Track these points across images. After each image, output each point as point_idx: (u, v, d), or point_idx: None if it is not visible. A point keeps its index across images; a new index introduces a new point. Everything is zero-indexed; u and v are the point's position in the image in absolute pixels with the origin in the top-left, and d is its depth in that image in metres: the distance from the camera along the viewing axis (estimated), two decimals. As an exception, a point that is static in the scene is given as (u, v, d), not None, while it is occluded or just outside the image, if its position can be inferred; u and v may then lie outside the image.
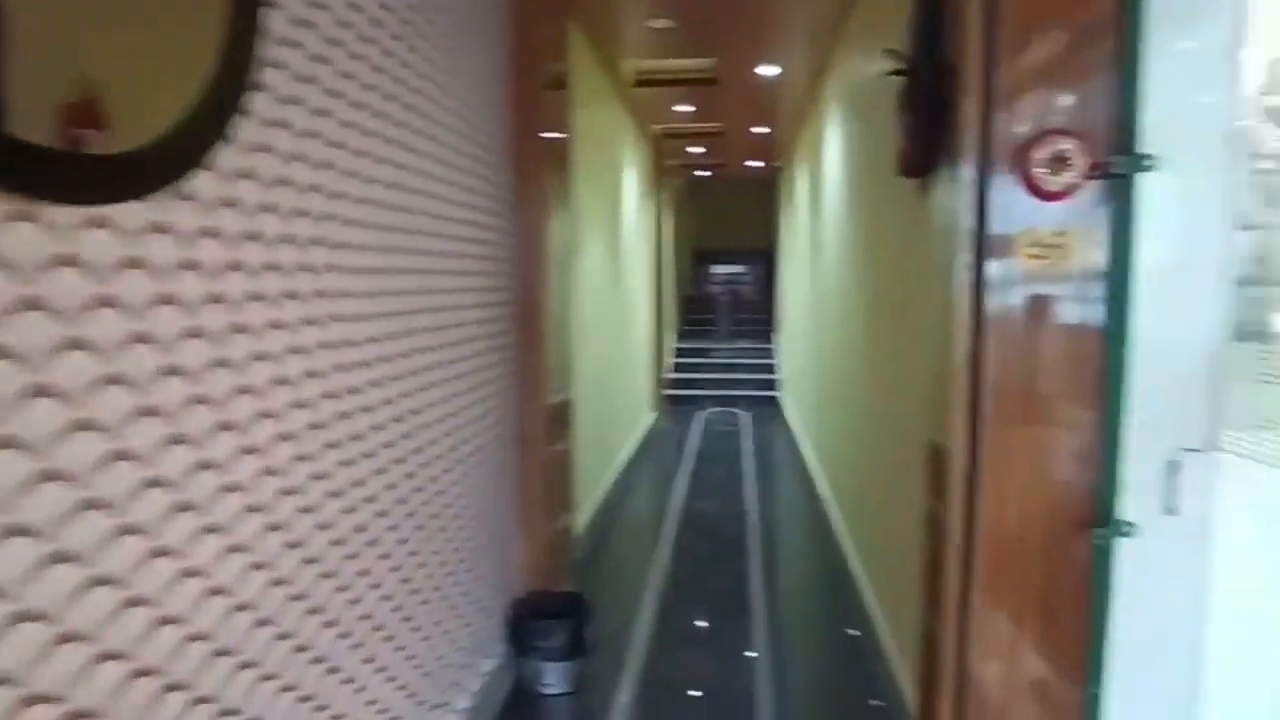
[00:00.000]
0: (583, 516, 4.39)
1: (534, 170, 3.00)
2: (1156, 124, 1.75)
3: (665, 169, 9.28)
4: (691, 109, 6.41)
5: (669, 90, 5.73)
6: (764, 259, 12.13)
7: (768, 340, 11.28)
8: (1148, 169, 1.75)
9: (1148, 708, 1.89)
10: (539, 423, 3.07)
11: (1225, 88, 1.75)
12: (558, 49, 3.26)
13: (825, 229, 5.40)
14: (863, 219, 3.88)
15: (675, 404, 9.74)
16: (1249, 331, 2.61)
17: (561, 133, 3.33)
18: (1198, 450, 1.80)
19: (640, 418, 7.58)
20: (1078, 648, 1.89)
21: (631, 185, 6.65)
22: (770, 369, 10.55)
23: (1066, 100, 1.78)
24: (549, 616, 2.92)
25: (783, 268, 9.99)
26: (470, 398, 2.47)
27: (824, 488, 5.34)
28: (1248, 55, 1.78)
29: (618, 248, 6.01)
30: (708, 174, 11.10)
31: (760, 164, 9.62)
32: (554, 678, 2.87)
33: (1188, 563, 1.84)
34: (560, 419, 3.34)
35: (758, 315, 12.19)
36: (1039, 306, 1.83)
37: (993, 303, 1.82)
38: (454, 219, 2.33)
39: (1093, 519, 1.84)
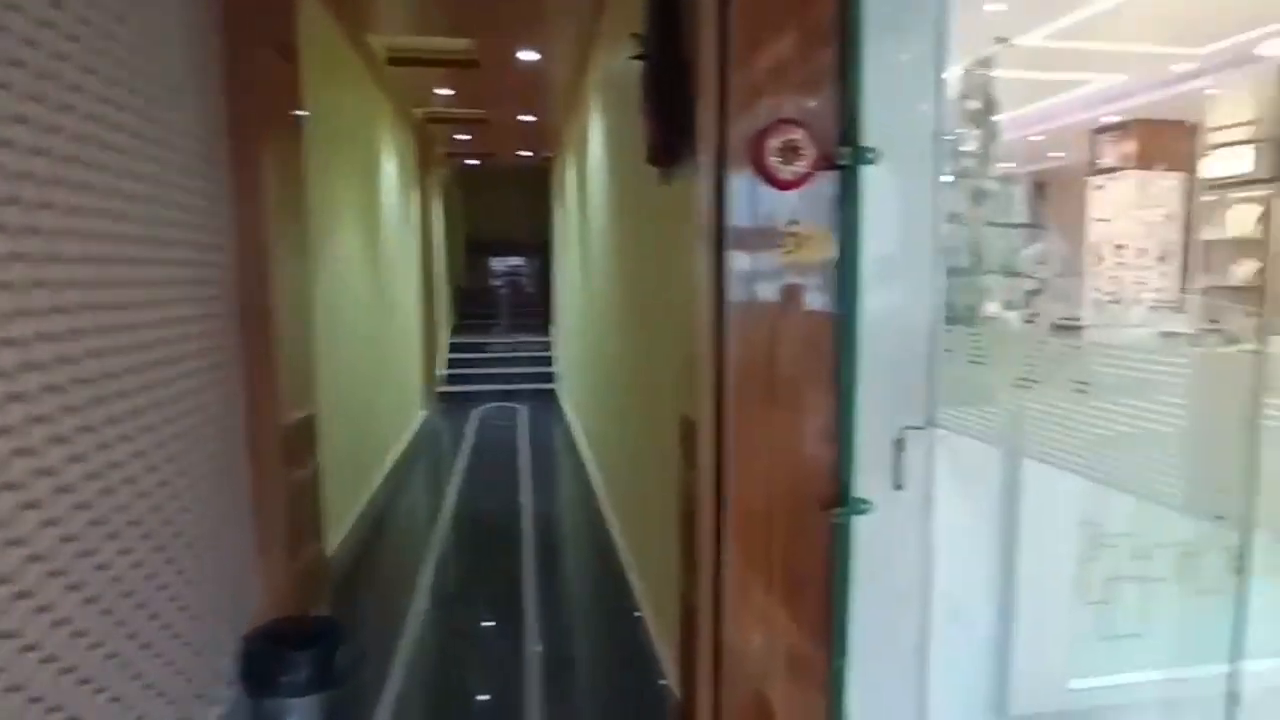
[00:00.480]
0: (342, 530, 4.03)
1: (258, 153, 2.63)
2: (876, 122, 1.83)
3: (432, 156, 8.86)
4: (452, 92, 6.12)
5: (428, 71, 5.42)
6: (543, 251, 12.05)
7: (547, 333, 11.21)
8: (870, 162, 1.83)
9: (886, 675, 2.00)
10: (274, 443, 2.71)
11: (931, 93, 1.88)
12: (283, 15, 2.90)
13: (592, 219, 5.39)
14: (622, 208, 3.88)
15: (450, 401, 9.36)
16: (960, 316, 2.89)
17: (293, 110, 2.97)
18: (920, 427, 1.93)
19: (410, 418, 7.18)
20: (825, 621, 1.96)
21: (391, 172, 6.22)
22: (549, 362, 10.49)
23: (797, 94, 1.81)
24: (292, 647, 2.61)
25: (558, 259, 9.95)
26: (172, 410, 2.10)
27: (596, 474, 5.35)
28: (951, 64, 1.92)
29: (377, 240, 5.59)
30: (477, 163, 10.77)
31: (531, 154, 9.49)
32: (298, 715, 2.56)
33: (915, 534, 1.97)
34: (303, 437, 2.99)
35: (537, 308, 12.09)
36: (778, 292, 1.86)
37: (734, 289, 1.83)
38: (141, 198, 1.96)
39: (834, 496, 1.91)
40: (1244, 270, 6.37)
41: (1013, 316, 3.07)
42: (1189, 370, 1.54)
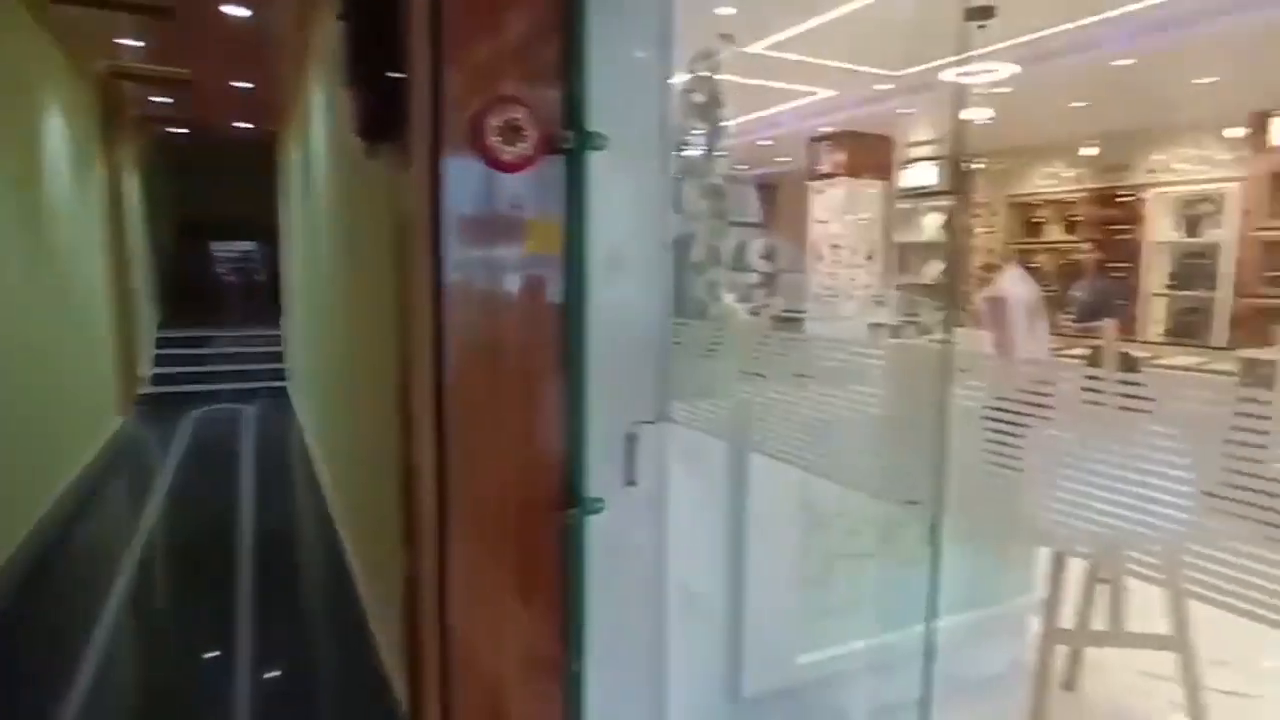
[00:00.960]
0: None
1: None
2: (603, 112, 1.75)
3: (125, 120, 7.61)
4: (141, 44, 5.26)
5: (110, 16, 4.58)
6: (276, 236, 10.93)
7: (279, 326, 10.19)
8: (597, 148, 1.74)
9: (626, 673, 1.95)
10: None
11: (658, 85, 1.84)
12: None
13: (315, 199, 4.90)
14: (340, 187, 3.56)
15: (159, 405, 8.17)
16: (693, 309, 2.94)
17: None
18: (650, 422, 1.89)
19: (97, 429, 6.11)
20: (563, 623, 1.87)
21: (60, 135, 5.20)
22: (280, 357, 9.55)
23: (519, 73, 1.68)
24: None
25: (286, 244, 9.06)
26: None
27: (327, 481, 4.91)
28: (679, 60, 1.89)
29: (37, 218, 4.64)
30: (185, 131, 9.48)
31: (251, 126, 8.52)
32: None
33: (650, 530, 1.93)
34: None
35: (268, 298, 10.97)
36: (502, 281, 1.72)
37: (452, 275, 1.66)
38: None
39: (567, 494, 1.82)
40: (933, 270, 7.34)
41: (741, 309, 3.21)
42: (886, 360, 1.62)
